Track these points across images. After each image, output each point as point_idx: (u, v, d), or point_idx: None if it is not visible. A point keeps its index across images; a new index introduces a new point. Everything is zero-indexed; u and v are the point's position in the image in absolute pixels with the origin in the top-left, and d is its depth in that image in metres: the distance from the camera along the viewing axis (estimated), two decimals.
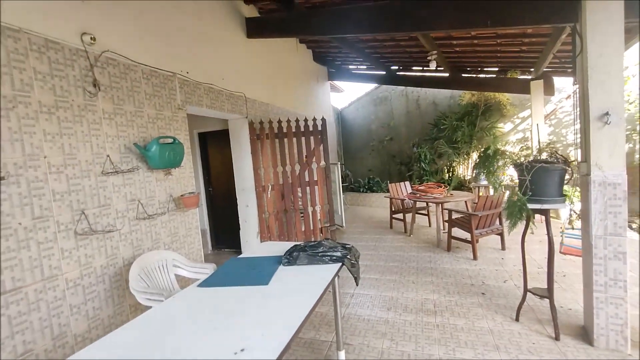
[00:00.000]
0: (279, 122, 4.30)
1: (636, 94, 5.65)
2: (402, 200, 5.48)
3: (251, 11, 4.37)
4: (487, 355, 2.20)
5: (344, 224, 5.53)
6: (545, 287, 2.50)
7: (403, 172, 7.99)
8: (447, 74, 6.64)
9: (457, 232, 4.26)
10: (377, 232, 5.55)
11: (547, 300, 2.51)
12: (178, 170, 2.90)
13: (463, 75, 6.66)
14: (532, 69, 5.85)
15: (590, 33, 2.17)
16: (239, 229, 4.32)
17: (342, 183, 8.53)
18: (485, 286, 3.24)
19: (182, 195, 2.90)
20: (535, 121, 5.91)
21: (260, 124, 4.22)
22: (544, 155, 2.49)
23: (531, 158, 2.49)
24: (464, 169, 7.34)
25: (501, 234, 4.23)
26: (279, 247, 2.32)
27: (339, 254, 2.12)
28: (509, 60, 5.63)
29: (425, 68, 6.71)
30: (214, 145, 4.80)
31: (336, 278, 2.12)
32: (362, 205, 7.96)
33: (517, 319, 2.61)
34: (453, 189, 6.03)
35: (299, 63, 6.22)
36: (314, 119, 4.45)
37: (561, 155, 2.44)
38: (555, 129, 6.89)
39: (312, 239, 4.19)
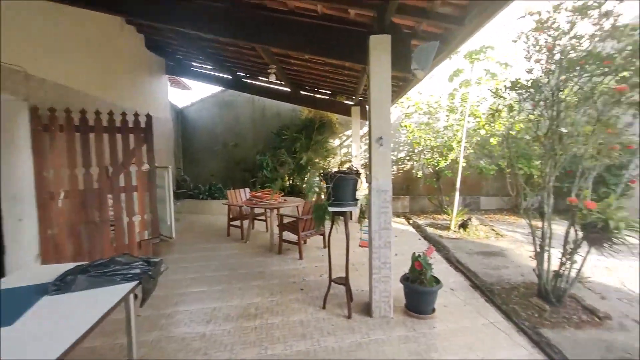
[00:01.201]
0: (83, 112, 3.45)
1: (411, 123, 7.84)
2: (240, 207, 5.48)
3: None
4: (294, 346, 2.44)
5: (173, 235, 4.99)
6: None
7: (247, 178, 8.06)
8: (288, 89, 7.22)
9: (289, 235, 4.62)
10: (214, 241, 5.32)
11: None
12: None
13: (302, 92, 7.42)
14: (353, 97, 7.18)
15: (372, 76, 2.82)
16: (3, 251, 3.12)
17: (178, 189, 7.77)
18: (305, 282, 3.63)
19: None
20: (354, 139, 7.23)
21: (52, 111, 3.25)
22: (346, 168, 3.06)
23: (335, 169, 3.00)
24: (302, 178, 8.13)
25: (323, 234, 4.88)
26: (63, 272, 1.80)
27: (137, 270, 1.85)
28: (337, 85, 6.68)
29: (270, 80, 7.08)
30: None
31: (131, 300, 1.83)
32: (202, 214, 7.47)
33: (324, 307, 3.03)
34: (292, 196, 6.54)
35: (124, 47, 5.26)
36: (136, 114, 3.83)
37: (356, 168, 3.05)
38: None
39: None
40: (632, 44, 2.45)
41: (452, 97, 6.43)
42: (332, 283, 3.10)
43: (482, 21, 2.48)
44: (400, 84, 5.21)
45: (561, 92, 2.78)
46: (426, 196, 7.65)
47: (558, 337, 2.46)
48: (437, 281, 2.91)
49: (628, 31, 2.54)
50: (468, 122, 6.02)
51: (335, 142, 8.56)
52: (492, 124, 5.86)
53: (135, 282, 1.75)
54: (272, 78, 5.95)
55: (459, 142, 6.09)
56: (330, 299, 3.14)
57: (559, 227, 2.91)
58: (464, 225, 5.65)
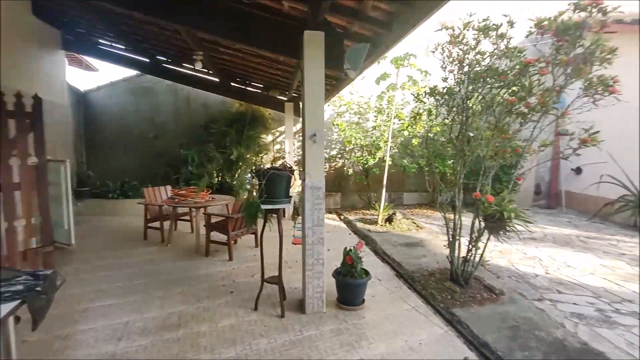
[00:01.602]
0: None
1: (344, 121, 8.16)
2: (161, 206, 4.93)
3: None
4: (223, 354, 2.27)
5: (72, 241, 4.22)
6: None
7: (170, 174, 7.30)
8: (217, 79, 6.76)
9: (218, 236, 4.32)
10: (127, 246, 4.68)
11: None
12: None
13: (233, 84, 7.03)
14: (286, 92, 7.09)
15: (306, 72, 2.79)
16: None
17: (80, 187, 6.63)
18: (235, 284, 3.44)
19: None
20: (287, 136, 7.16)
21: None
22: (279, 165, 2.98)
23: (267, 166, 2.89)
24: (232, 174, 7.73)
25: (255, 233, 4.71)
26: None
27: (19, 287, 1.48)
28: (270, 79, 6.50)
29: (196, 68, 6.51)
30: None
31: (11, 325, 1.46)
32: (112, 215, 6.52)
33: (255, 309, 2.91)
34: (221, 194, 6.15)
35: None
36: (18, 95, 3.10)
37: (289, 165, 2.99)
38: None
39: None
40: (519, 64, 2.92)
41: (380, 99, 6.86)
42: (265, 283, 3.00)
43: (407, 29, 2.67)
44: (334, 83, 5.34)
45: (469, 101, 3.18)
46: (356, 193, 8.04)
47: (466, 314, 2.82)
48: (367, 273, 3.06)
49: (516, 53, 3.02)
50: (394, 123, 6.51)
51: (269, 137, 8.37)
52: (414, 126, 6.45)
53: (17, 302, 1.39)
54: (199, 66, 5.50)
55: (385, 141, 6.54)
56: (263, 300, 3.03)
57: (467, 219, 3.34)
58: (389, 220, 6.09)
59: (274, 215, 2.89)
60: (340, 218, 6.89)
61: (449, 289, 3.26)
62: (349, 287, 2.97)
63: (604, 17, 2.39)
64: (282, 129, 8.44)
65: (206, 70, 6.39)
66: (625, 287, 3.43)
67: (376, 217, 6.35)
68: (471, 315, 2.82)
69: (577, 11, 2.48)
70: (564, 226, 5.91)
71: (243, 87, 7.15)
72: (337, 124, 7.40)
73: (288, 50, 3.20)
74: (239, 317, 2.78)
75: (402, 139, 6.86)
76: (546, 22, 2.60)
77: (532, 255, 4.39)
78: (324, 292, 2.91)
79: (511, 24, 2.87)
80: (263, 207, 2.71)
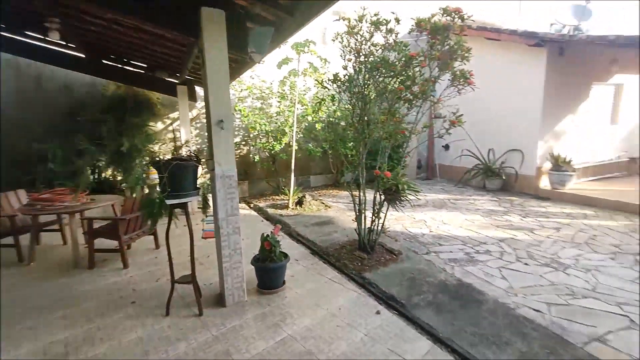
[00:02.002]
0: None
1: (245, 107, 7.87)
2: (13, 216, 3.83)
3: None
4: None
5: None
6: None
7: (21, 177, 5.67)
8: (82, 55, 5.50)
9: (104, 243, 3.65)
10: None
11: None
12: None
13: (105, 62, 5.84)
14: (178, 74, 6.32)
15: (208, 54, 2.55)
16: None
17: None
18: (136, 293, 3.01)
19: None
20: (182, 123, 6.46)
21: None
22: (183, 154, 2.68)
23: (169, 157, 2.57)
24: (113, 170, 6.56)
25: (154, 233, 4.17)
26: None
27: None
28: (157, 59, 5.66)
29: (49, 39, 5.10)
30: None
31: None
32: None
33: (167, 314, 2.63)
34: (102, 193, 5.16)
35: None
36: None
37: (194, 153, 2.73)
38: (201, 132, 8.01)
39: None
40: (405, 57, 3.37)
41: (282, 85, 6.85)
42: (176, 284, 2.73)
43: (311, 15, 2.72)
44: (234, 66, 5.04)
45: (367, 88, 3.50)
46: (264, 179, 7.96)
47: (374, 276, 3.23)
48: (286, 255, 3.12)
49: (402, 46, 3.47)
50: (298, 109, 6.63)
51: (159, 125, 7.40)
52: (317, 112, 6.73)
53: None
54: (55, 37, 4.36)
55: (290, 127, 6.63)
56: (175, 303, 2.77)
57: (369, 194, 3.75)
58: (300, 203, 6.29)
59: (180, 210, 2.63)
60: (250, 206, 6.74)
61: (359, 257, 3.64)
62: (270, 272, 2.98)
63: (462, 23, 2.97)
64: (175, 115, 7.58)
65: (64, 43, 5.14)
66: (481, 233, 4.50)
67: (287, 201, 6.47)
68: (379, 276, 3.23)
69: (444, 15, 3.00)
70: (439, 193, 7.25)
71: (120, 66, 6.04)
72: (240, 110, 7.10)
73: (178, 26, 2.85)
74: (147, 326, 2.47)
75: (306, 124, 7.09)
76: (423, 23, 3.06)
77: (419, 219, 5.27)
78: (244, 282, 2.85)
79: (398, 20, 3.26)
80: (168, 202, 2.42)
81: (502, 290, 2.96)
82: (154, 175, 2.96)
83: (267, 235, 3.03)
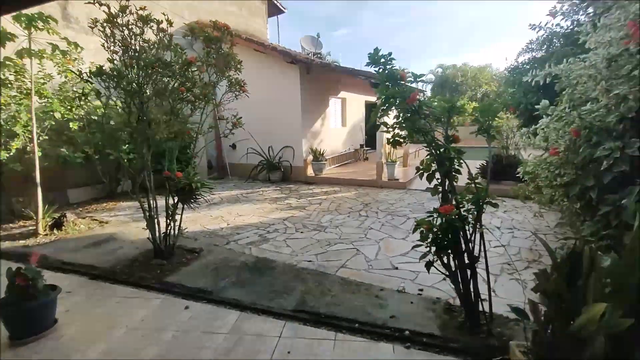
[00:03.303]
0: None
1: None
2: None
3: None
4: None
5: None
6: None
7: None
8: None
9: None
10: None
11: None
12: None
13: None
14: None
15: None
16: None
17: None
18: None
19: None
20: None
21: None
22: None
23: None
24: None
25: None
26: None
27: None
28: None
29: None
30: None
31: None
32: None
33: None
34: None
35: None
36: None
37: None
38: None
39: None
40: (183, 61, 3.43)
41: (2, 67, 4.90)
42: None
43: None
44: None
45: (143, 86, 3.29)
46: None
47: (178, 277, 3.20)
48: (54, 287, 2.50)
49: (178, 49, 3.51)
50: (36, 102, 4.99)
51: None
52: (72, 108, 5.36)
53: None
54: None
55: (25, 126, 4.92)
56: None
57: (160, 200, 3.58)
58: (58, 225, 4.89)
59: None
60: None
61: (157, 265, 3.44)
62: (31, 312, 2.30)
63: (231, 37, 3.44)
64: None
65: None
66: (269, 217, 5.37)
67: (33, 227, 4.85)
68: (182, 276, 3.24)
69: (214, 30, 3.34)
70: (232, 190, 7.77)
71: None
72: None
73: None
74: None
75: (53, 123, 5.44)
76: (197, 30, 3.27)
77: (216, 215, 5.51)
78: None
79: (170, 22, 3.27)
80: None
81: (288, 255, 3.78)
82: None
83: (20, 269, 2.30)
